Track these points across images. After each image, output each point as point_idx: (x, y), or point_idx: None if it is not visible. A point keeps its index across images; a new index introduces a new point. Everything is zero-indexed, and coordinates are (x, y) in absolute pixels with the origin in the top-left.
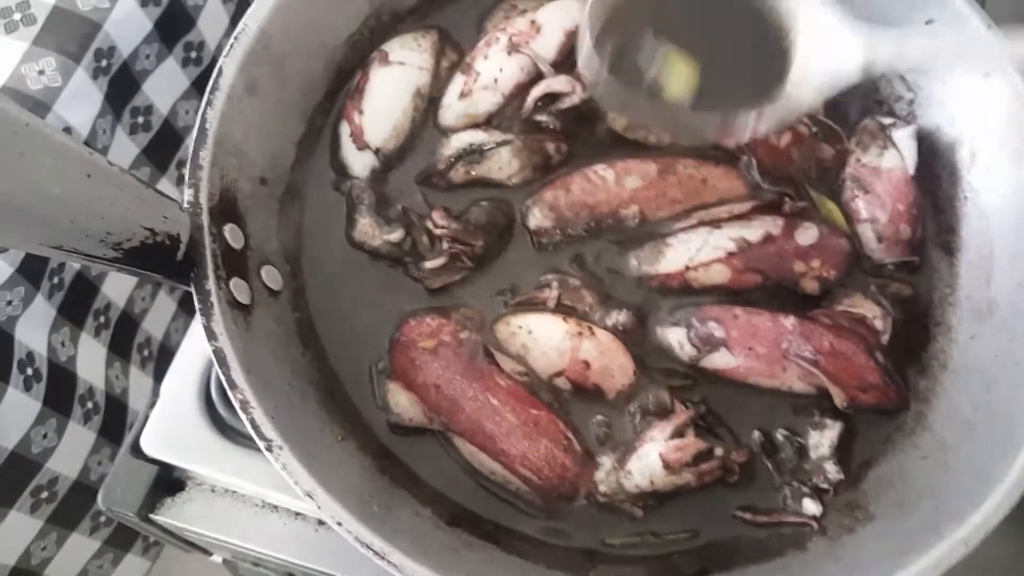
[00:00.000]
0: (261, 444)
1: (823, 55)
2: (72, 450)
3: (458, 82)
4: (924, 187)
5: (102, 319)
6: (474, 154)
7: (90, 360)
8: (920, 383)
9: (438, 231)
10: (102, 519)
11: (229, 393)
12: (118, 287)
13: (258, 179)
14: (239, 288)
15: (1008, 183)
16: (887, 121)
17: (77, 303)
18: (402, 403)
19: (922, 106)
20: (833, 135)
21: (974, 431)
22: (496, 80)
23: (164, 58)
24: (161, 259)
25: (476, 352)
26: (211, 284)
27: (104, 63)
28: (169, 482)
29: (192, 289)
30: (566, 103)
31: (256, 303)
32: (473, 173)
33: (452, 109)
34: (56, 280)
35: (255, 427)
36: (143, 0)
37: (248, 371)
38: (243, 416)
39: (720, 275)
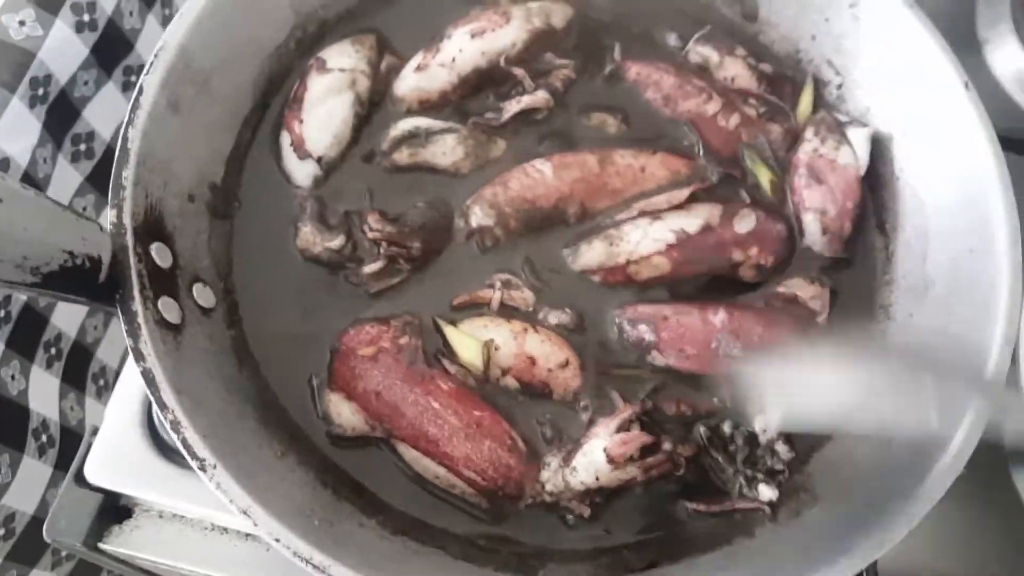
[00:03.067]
0: (194, 464)
1: None
2: (28, 485)
3: (419, 55)
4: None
5: (53, 351)
6: (419, 137)
7: (42, 393)
8: None
9: (372, 235)
10: (64, 554)
11: (159, 414)
12: (69, 317)
13: (186, 196)
14: (168, 307)
15: (936, 160)
16: (844, 119)
17: (26, 335)
18: (343, 413)
19: (851, 88)
20: (779, 114)
21: None
22: (454, 60)
23: (103, 83)
24: (82, 282)
25: (416, 357)
26: (137, 305)
27: (40, 91)
28: (116, 510)
29: (118, 311)
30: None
31: (187, 322)
32: (417, 157)
33: (407, 80)
34: (2, 313)
35: (187, 447)
36: (78, 26)
37: (179, 391)
38: (174, 436)
39: (661, 267)
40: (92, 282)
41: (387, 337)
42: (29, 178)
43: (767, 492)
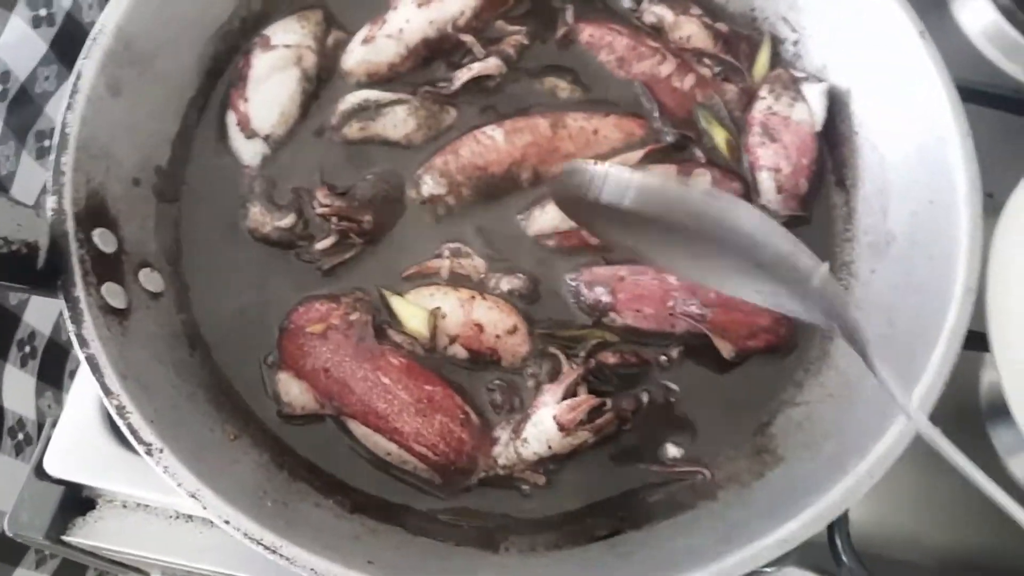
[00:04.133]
0: (140, 448)
1: None
2: (6, 484)
3: (365, 28)
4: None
5: (27, 349)
6: (369, 110)
7: (17, 391)
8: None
9: (321, 210)
10: (47, 552)
11: (104, 400)
12: (41, 315)
13: (130, 180)
14: (113, 293)
15: (894, 113)
16: (800, 74)
17: None
18: (293, 392)
19: (807, 45)
20: (735, 74)
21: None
22: (401, 30)
23: (65, 78)
24: (20, 268)
25: (366, 333)
26: (79, 291)
27: (0, 89)
28: (78, 501)
29: (60, 297)
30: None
31: (134, 307)
32: (368, 130)
33: (354, 54)
34: None
35: (132, 431)
36: (35, 21)
37: (125, 376)
38: (120, 421)
39: None
40: (30, 268)
41: (337, 314)
42: None
43: (672, 450)
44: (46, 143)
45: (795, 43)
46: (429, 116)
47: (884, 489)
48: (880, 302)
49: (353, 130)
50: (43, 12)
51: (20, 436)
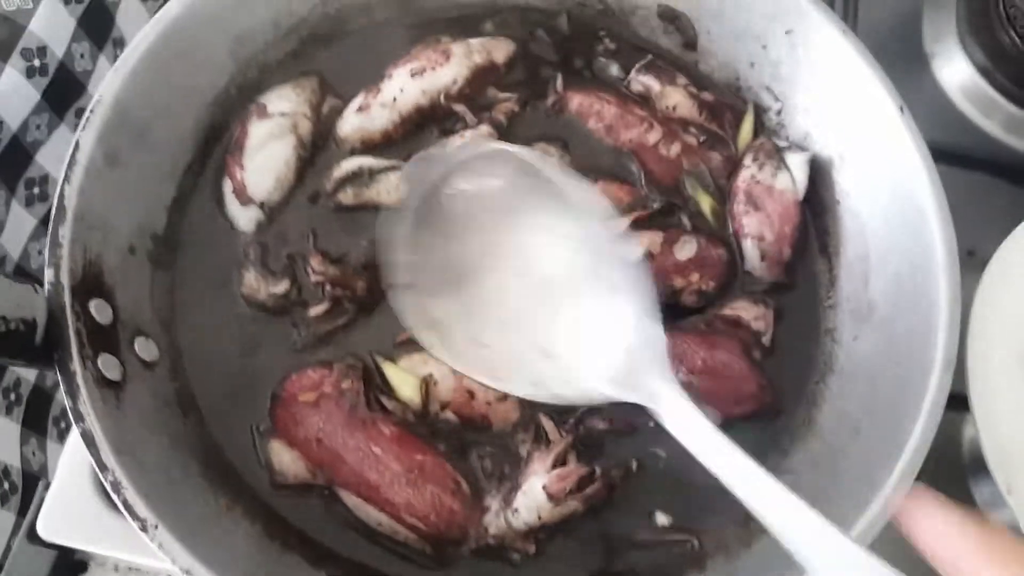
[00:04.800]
0: (135, 524)
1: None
2: None
3: (360, 96)
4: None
5: (12, 396)
6: (363, 177)
7: (3, 439)
8: (809, 388)
9: (315, 277)
10: None
11: (100, 475)
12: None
13: (126, 249)
14: (108, 365)
15: (875, 183)
16: (782, 144)
17: None
18: (285, 461)
19: (790, 114)
20: (720, 142)
21: (860, 433)
22: (395, 99)
23: (56, 127)
24: (18, 345)
25: (358, 401)
26: (76, 365)
27: None
28: (71, 564)
29: (56, 372)
30: None
31: (129, 378)
32: (362, 196)
33: (349, 121)
34: None
35: (128, 508)
36: (28, 71)
37: (119, 451)
38: (115, 498)
39: None
40: (28, 345)
41: (329, 382)
42: None
43: (661, 518)
44: (35, 190)
45: (778, 112)
46: None
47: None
48: (863, 369)
49: (348, 196)
50: (36, 63)
51: (6, 485)
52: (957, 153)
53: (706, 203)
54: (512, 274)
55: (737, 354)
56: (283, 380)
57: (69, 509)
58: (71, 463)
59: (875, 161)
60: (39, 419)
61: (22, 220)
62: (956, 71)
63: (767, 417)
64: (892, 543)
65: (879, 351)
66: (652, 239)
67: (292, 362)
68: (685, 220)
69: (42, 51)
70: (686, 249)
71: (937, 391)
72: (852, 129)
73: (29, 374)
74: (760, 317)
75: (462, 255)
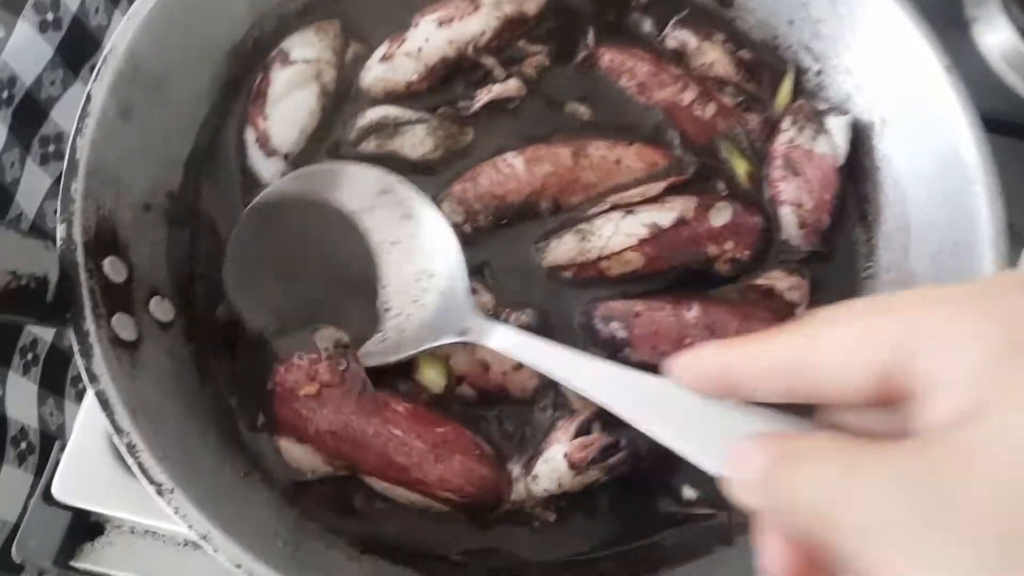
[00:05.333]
0: (151, 489)
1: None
2: (8, 494)
3: (384, 45)
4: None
5: (30, 356)
6: (388, 127)
7: (20, 400)
8: None
9: None
10: None
11: (115, 438)
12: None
13: (141, 206)
14: (123, 324)
15: (918, 149)
16: (822, 107)
17: (0, 343)
18: (299, 457)
19: (831, 75)
20: (757, 104)
21: None
22: (420, 49)
23: (71, 83)
24: (29, 302)
25: (363, 384)
26: (89, 324)
27: (5, 94)
28: (87, 527)
29: (70, 330)
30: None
31: (144, 338)
32: (385, 147)
33: (372, 71)
34: None
35: (143, 471)
36: (42, 26)
37: (135, 413)
38: (130, 460)
39: (633, 263)
40: (39, 302)
41: (323, 368)
42: None
43: (688, 491)
44: (50, 148)
45: (818, 73)
46: (448, 136)
47: None
48: None
49: (370, 146)
50: (50, 16)
51: (23, 445)
52: (999, 121)
53: (742, 167)
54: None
55: (771, 325)
56: (272, 372)
57: (85, 471)
58: (87, 424)
59: (919, 124)
60: (57, 379)
61: (37, 178)
62: (998, 36)
63: None
64: None
65: None
66: (686, 205)
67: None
68: (720, 185)
69: (56, 4)
70: (721, 215)
71: None
72: (895, 91)
73: (46, 334)
74: (795, 287)
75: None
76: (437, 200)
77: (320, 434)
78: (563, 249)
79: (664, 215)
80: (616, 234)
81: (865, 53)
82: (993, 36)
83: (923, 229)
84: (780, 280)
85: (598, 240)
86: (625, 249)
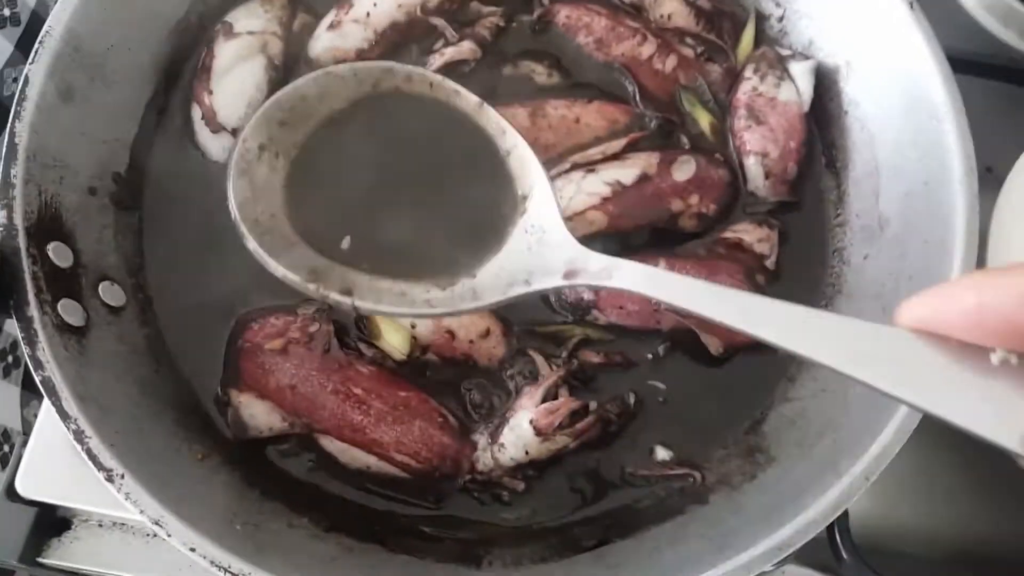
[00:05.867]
0: (100, 475)
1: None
2: None
3: (331, 13)
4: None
5: (10, 358)
6: None
7: (2, 402)
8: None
9: None
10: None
11: (63, 424)
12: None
13: (86, 189)
14: (69, 310)
15: (884, 90)
16: (785, 52)
17: None
18: (257, 413)
19: (792, 21)
20: (719, 53)
21: None
22: (368, 14)
23: None
24: None
25: (330, 344)
26: (33, 310)
27: None
28: (53, 522)
29: (12, 318)
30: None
31: (93, 323)
32: None
33: (320, 40)
34: None
35: (91, 457)
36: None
37: (83, 399)
38: (78, 447)
39: (597, 222)
40: None
41: (295, 327)
42: None
43: (662, 452)
44: None
45: (780, 19)
46: None
47: (885, 481)
48: (874, 289)
49: None
50: (7, 12)
51: (6, 448)
52: (973, 62)
53: (704, 120)
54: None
55: (740, 279)
56: (243, 330)
57: (48, 465)
58: (49, 418)
59: (885, 65)
60: None
61: None
62: None
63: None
64: None
65: (891, 269)
66: (648, 160)
67: (266, 307)
68: (683, 139)
69: (12, 0)
70: (684, 170)
71: None
72: (860, 32)
73: None
74: (764, 239)
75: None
76: None
77: (281, 388)
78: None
79: (626, 172)
80: (578, 194)
81: None
82: None
83: (892, 172)
84: (748, 233)
85: (560, 201)
86: (588, 208)
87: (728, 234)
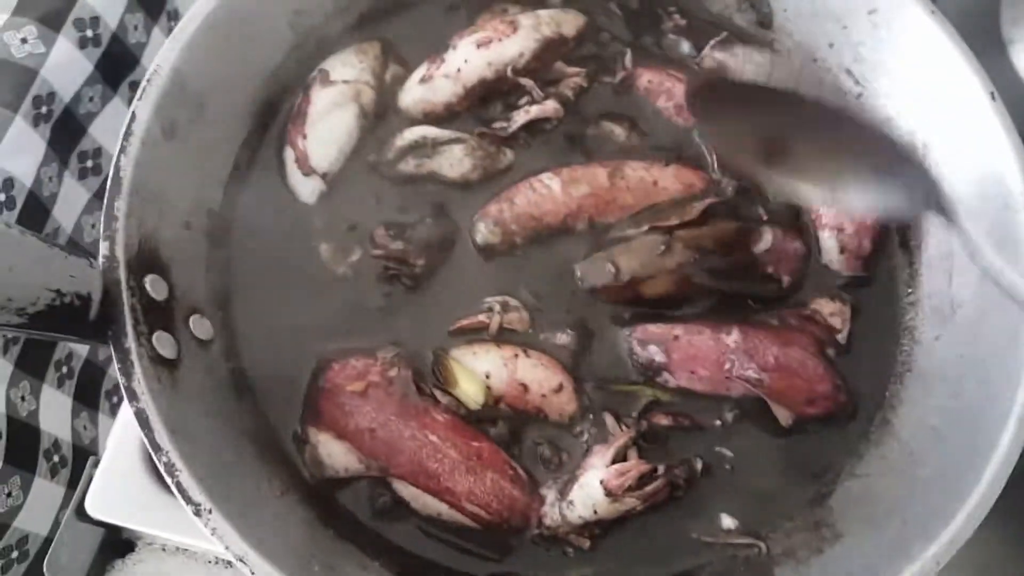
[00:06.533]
0: (189, 509)
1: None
2: (40, 507)
3: (423, 67)
4: None
5: (64, 369)
6: (426, 147)
7: (54, 413)
8: (886, 389)
9: (376, 251)
10: None
11: (154, 456)
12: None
13: (182, 224)
14: (163, 342)
15: (960, 175)
16: None
17: (35, 356)
18: (334, 453)
19: (872, 99)
20: None
21: (942, 439)
22: (459, 70)
23: (109, 99)
24: (72, 320)
25: (409, 389)
26: (130, 341)
27: (44, 109)
28: (118, 543)
29: (111, 348)
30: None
31: (184, 356)
32: (424, 167)
33: (411, 92)
34: (10, 334)
35: (181, 491)
36: (81, 42)
37: (174, 431)
38: (169, 480)
39: (670, 287)
40: (82, 320)
41: (375, 370)
42: (34, 197)
43: (727, 521)
44: (89, 163)
45: (859, 96)
46: (486, 156)
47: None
48: (944, 372)
49: (409, 166)
50: (89, 33)
51: (56, 459)
52: None
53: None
54: None
55: (811, 352)
56: (325, 371)
57: (118, 487)
58: (121, 440)
59: (962, 151)
60: (91, 393)
61: (76, 193)
62: None
63: (841, 419)
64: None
65: (962, 352)
66: (726, 228)
67: (349, 343)
68: (760, 210)
69: (95, 21)
70: (763, 242)
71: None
72: (938, 115)
73: (81, 348)
74: (836, 313)
75: None
76: (473, 220)
77: (359, 431)
78: (597, 273)
79: (705, 240)
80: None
81: (907, 77)
82: None
83: (967, 256)
84: (821, 307)
85: (637, 263)
86: (663, 272)
87: (801, 307)
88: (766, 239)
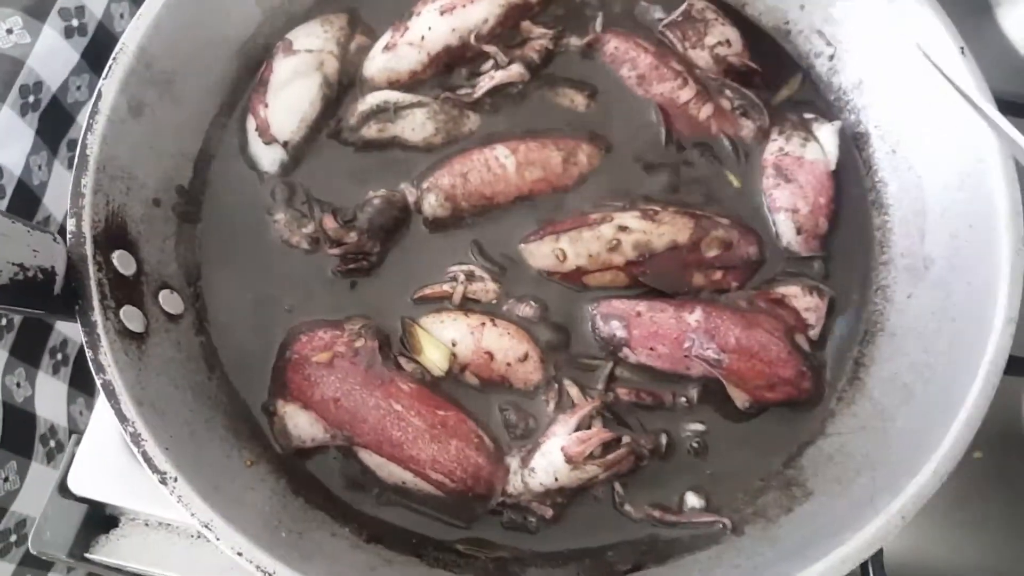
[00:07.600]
0: (155, 477)
1: None
2: (37, 491)
3: (387, 35)
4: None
5: (59, 356)
6: (388, 112)
7: (49, 399)
8: (857, 349)
9: (333, 251)
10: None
11: (120, 427)
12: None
13: (151, 200)
14: (131, 316)
15: (933, 134)
16: (809, 115)
17: (30, 343)
18: (301, 424)
19: (843, 60)
20: (755, 110)
21: (912, 396)
22: (423, 38)
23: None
24: (35, 294)
25: (374, 359)
26: (97, 315)
27: (31, 99)
28: (102, 519)
29: (77, 322)
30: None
31: (152, 331)
32: (386, 131)
33: (375, 61)
34: (4, 322)
35: (147, 459)
36: (67, 31)
37: (140, 403)
38: (134, 449)
39: (616, 280)
40: (46, 294)
41: (341, 341)
42: (23, 185)
43: (693, 500)
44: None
45: (831, 57)
46: (448, 120)
47: (920, 521)
48: (916, 328)
49: (371, 131)
50: (75, 22)
51: (52, 443)
52: (1021, 104)
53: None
54: None
55: (778, 335)
56: (292, 342)
57: (99, 464)
58: (102, 417)
59: (934, 108)
60: (86, 379)
61: (66, 181)
62: (1022, 18)
63: (804, 406)
64: None
65: (934, 309)
66: (683, 227)
67: (319, 315)
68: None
69: (80, 10)
70: (713, 248)
71: (996, 352)
72: (910, 75)
73: (76, 334)
74: (812, 308)
75: None
76: (424, 187)
77: (324, 400)
78: (544, 258)
79: (658, 238)
80: (601, 253)
81: (878, 36)
82: (1016, 18)
83: (938, 213)
84: (797, 299)
85: (582, 256)
86: (609, 268)
87: (772, 291)
88: (718, 244)
